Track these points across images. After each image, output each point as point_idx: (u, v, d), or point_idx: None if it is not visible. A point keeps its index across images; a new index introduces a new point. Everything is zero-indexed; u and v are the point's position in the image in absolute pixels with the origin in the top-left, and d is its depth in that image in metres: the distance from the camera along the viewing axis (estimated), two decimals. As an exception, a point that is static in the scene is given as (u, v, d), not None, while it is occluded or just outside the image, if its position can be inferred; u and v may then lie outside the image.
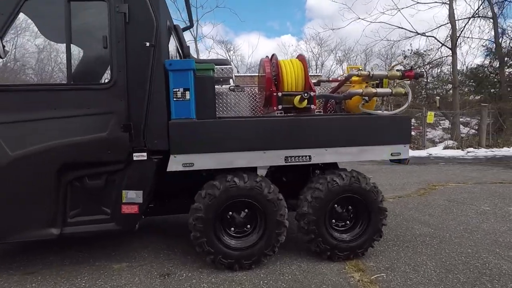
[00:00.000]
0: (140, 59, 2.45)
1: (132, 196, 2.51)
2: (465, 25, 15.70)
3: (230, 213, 2.71)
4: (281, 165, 2.72)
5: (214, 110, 2.67)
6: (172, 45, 3.28)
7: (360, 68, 2.95)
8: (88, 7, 2.50)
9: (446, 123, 16.57)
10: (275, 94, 2.87)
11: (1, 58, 2.34)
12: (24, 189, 2.38)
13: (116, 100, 2.43)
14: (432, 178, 7.03)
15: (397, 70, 2.92)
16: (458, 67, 15.65)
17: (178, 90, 2.51)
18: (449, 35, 15.36)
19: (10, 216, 2.40)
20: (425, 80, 17.21)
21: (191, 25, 4.10)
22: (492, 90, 17.36)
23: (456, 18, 15.03)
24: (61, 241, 3.07)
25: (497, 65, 16.43)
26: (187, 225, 2.64)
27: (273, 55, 3.12)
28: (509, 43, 16.27)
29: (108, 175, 2.51)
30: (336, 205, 2.84)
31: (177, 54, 3.41)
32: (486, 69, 17.60)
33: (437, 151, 13.04)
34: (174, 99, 2.52)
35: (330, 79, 3.36)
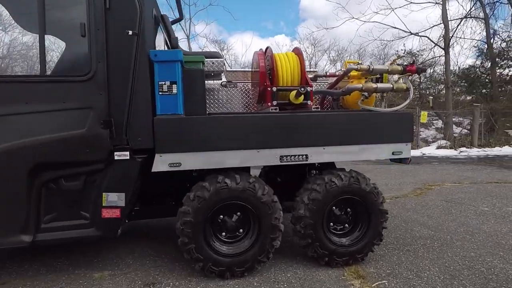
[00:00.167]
0: (122, 49, 2.24)
1: (114, 199, 2.29)
2: (458, 25, 15.80)
3: (221, 216, 2.52)
4: (276, 165, 2.52)
5: (204, 105, 2.47)
6: (160, 36, 3.07)
7: (359, 63, 2.78)
8: (65, -9, 2.28)
9: (439, 123, 16.65)
10: (269, 89, 2.68)
11: None
12: (-9, 192, 2.14)
13: (95, 94, 2.21)
14: (427, 178, 6.95)
15: (398, 65, 2.76)
16: (451, 68, 15.72)
17: (164, 83, 2.30)
18: (442, 36, 15.41)
19: (-24, 222, 2.16)
20: (418, 80, 17.27)
21: (181, 18, 3.88)
22: (483, 91, 17.52)
23: (449, 19, 15.10)
24: (38, 248, 2.84)
25: (489, 66, 16.57)
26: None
27: (267, 48, 2.94)
28: (500, 44, 16.44)
29: (87, 176, 2.29)
30: (334, 207, 2.67)
31: (165, 46, 3.20)
32: (477, 69, 17.75)
33: (431, 150, 13.05)
34: (160, 93, 2.31)
35: (327, 74, 3.19)
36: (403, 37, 16.59)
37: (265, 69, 2.79)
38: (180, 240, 2.42)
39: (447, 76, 15.34)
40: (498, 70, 16.49)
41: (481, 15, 15.81)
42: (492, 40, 15.98)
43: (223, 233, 2.53)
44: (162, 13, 3.07)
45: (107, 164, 2.27)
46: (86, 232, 2.32)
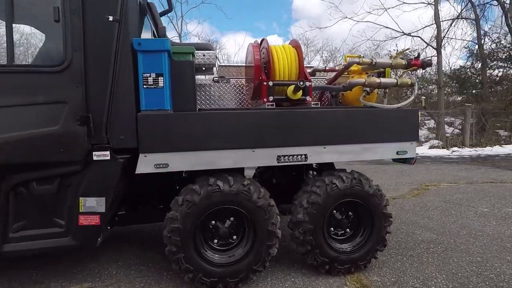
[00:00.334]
0: (102, 36, 2.00)
1: (92, 205, 2.05)
2: (450, 26, 15.89)
3: (213, 222, 2.30)
4: (273, 165, 2.32)
5: (194, 101, 2.25)
6: (147, 27, 2.83)
7: (362, 56, 2.60)
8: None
9: (431, 123, 16.72)
10: (265, 83, 2.48)
11: None
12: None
13: (71, 86, 1.96)
14: (422, 178, 6.85)
15: (402, 58, 2.60)
16: (442, 68, 15.78)
17: (149, 76, 2.07)
18: (434, 36, 15.46)
19: None
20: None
21: (170, 9, 3.64)
22: (473, 91, 17.68)
23: (441, 19, 15.17)
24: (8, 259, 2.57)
25: (479, 67, 16.72)
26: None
27: (263, 39, 2.73)
28: (490, 45, 16.62)
29: (62, 179, 2.04)
30: (335, 211, 2.48)
31: (152, 36, 2.96)
32: (468, 70, 17.91)
33: (423, 150, 13.04)
34: (144, 86, 2.08)
35: (327, 68, 3.01)
36: (395, 37, 16.60)
37: (261, 62, 2.59)
38: (167, 249, 2.19)
39: (439, 76, 15.39)
40: (489, 71, 16.66)
41: (472, 16, 15.95)
42: (482, 41, 16.13)
43: (215, 240, 2.32)
44: (148, 1, 2.84)
45: (85, 165, 2.03)
46: (61, 242, 2.07)
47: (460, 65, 18.02)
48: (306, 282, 2.37)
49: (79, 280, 2.47)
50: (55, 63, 1.96)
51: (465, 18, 16.07)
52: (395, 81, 2.53)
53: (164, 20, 3.36)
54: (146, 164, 2.09)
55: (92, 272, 2.59)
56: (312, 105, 2.54)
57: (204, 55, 2.69)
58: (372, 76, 2.58)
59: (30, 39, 2.41)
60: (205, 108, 2.83)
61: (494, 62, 16.97)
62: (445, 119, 15.43)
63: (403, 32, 16.21)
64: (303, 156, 2.33)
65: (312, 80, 3.14)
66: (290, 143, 2.30)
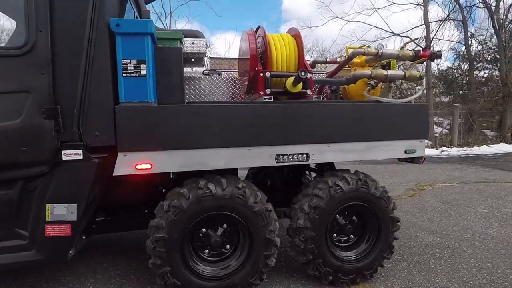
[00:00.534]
0: (72, 14, 1.71)
1: (61, 212, 1.75)
2: (439, 27, 16.06)
3: (204, 230, 2.04)
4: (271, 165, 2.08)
5: (181, 92, 1.97)
6: (130, 12, 2.53)
7: (367, 46, 2.39)
8: None
9: (420, 123, 16.85)
10: (261, 74, 2.23)
11: None
12: None
13: (35, 73, 1.66)
14: (417, 178, 6.76)
15: (409, 50, 2.40)
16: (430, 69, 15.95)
17: (129, 62, 1.79)
18: (423, 37, 15.60)
19: None
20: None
21: (156, -4, 3.35)
22: (460, 92, 17.96)
23: (430, 20, 15.31)
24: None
25: (466, 68, 16.99)
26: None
27: (259, 27, 2.48)
28: (477, 47, 16.91)
29: (25, 182, 1.74)
30: (338, 216, 2.26)
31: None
32: (455, 71, 18.19)
33: (413, 150, 13.09)
34: (124, 74, 1.79)
35: (328, 60, 2.78)
36: (385, 38, 16.67)
37: (256, 52, 2.34)
38: (151, 262, 1.92)
39: (428, 76, 15.50)
40: (475, 72, 16.95)
41: (460, 17, 16.18)
42: (470, 42, 16.39)
43: (206, 251, 2.05)
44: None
45: (52, 166, 1.73)
46: (24, 256, 1.76)
47: (448, 66, 18.29)
48: (308, 295, 2.14)
49: (49, 297, 2.16)
50: (15, 45, 1.66)
51: (453, 20, 16.29)
52: (403, 73, 2.33)
53: (152, 18, 3.07)
54: (126, 164, 1.81)
55: (66, 286, 2.28)
56: (314, 99, 2.30)
57: (193, 43, 2.42)
58: (378, 68, 2.37)
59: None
60: (194, 101, 2.56)
61: (480, 64, 17.29)
62: (434, 119, 15.58)
63: (393, 33, 16.29)
64: (305, 155, 2.10)
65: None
66: (290, 140, 2.06)
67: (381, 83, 2.53)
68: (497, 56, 15.50)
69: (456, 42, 17.36)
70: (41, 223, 1.74)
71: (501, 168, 8.15)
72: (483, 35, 16.57)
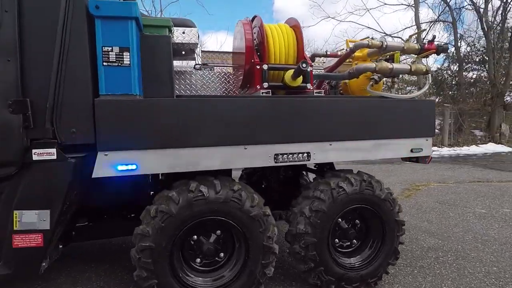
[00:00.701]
0: (44, -6, 1.50)
1: (31, 220, 1.54)
2: (430, 28, 16.24)
3: (195, 237, 1.85)
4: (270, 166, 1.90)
5: (171, 85, 1.78)
6: None
7: (372, 37, 2.24)
8: None
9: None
10: (258, 67, 2.05)
11: None
12: None
13: (-1, 60, 1.44)
14: (411, 178, 6.70)
15: (415, 43, 2.26)
16: (421, 69, 16.12)
17: (111, 50, 1.59)
18: (414, 37, 15.73)
19: None
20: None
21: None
22: (450, 92, 18.19)
23: (420, 21, 15.47)
24: None
25: (456, 69, 17.23)
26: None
27: (255, 16, 2.30)
28: (466, 48, 17.16)
29: (-12, 186, 1.51)
30: (340, 220, 2.10)
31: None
32: (445, 72, 18.42)
33: (405, 150, 13.14)
34: (105, 63, 1.59)
35: (328, 54, 2.63)
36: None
37: (253, 43, 2.16)
38: (136, 274, 1.72)
39: (419, 77, 15.66)
40: (464, 73, 17.19)
41: (449, 19, 16.39)
42: (459, 44, 16.60)
43: (198, 260, 1.86)
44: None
45: (21, 167, 1.51)
46: (-12, 271, 1.54)
47: (438, 67, 18.51)
48: (309, 307, 1.97)
49: (21, 313, 1.93)
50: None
51: (443, 21, 16.49)
52: (409, 67, 2.19)
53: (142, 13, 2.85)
54: (107, 165, 1.60)
55: (41, 302, 2.05)
56: (315, 94, 2.14)
57: (184, 33, 2.23)
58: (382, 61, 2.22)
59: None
60: (184, 95, 2.36)
61: (469, 65, 17.55)
62: (424, 119, 15.71)
63: (384, 33, 16.38)
64: (306, 154, 1.93)
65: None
66: (290, 138, 1.89)
67: (383, 79, 2.39)
68: (485, 57, 15.74)
69: (446, 43, 17.55)
70: (8, 233, 1.52)
71: (492, 168, 8.19)
72: (472, 37, 16.84)
